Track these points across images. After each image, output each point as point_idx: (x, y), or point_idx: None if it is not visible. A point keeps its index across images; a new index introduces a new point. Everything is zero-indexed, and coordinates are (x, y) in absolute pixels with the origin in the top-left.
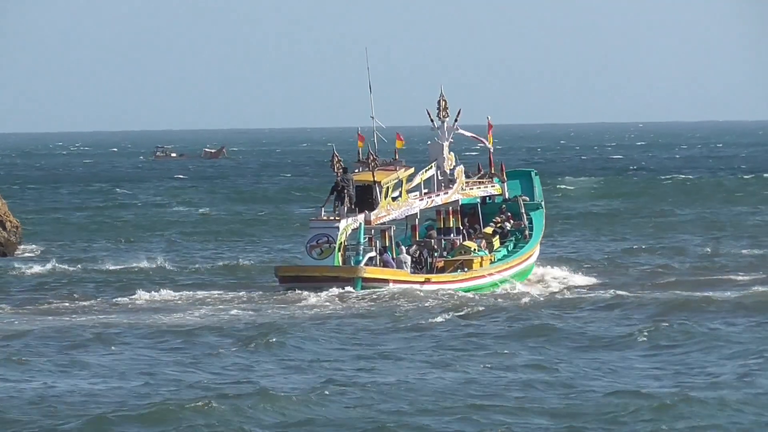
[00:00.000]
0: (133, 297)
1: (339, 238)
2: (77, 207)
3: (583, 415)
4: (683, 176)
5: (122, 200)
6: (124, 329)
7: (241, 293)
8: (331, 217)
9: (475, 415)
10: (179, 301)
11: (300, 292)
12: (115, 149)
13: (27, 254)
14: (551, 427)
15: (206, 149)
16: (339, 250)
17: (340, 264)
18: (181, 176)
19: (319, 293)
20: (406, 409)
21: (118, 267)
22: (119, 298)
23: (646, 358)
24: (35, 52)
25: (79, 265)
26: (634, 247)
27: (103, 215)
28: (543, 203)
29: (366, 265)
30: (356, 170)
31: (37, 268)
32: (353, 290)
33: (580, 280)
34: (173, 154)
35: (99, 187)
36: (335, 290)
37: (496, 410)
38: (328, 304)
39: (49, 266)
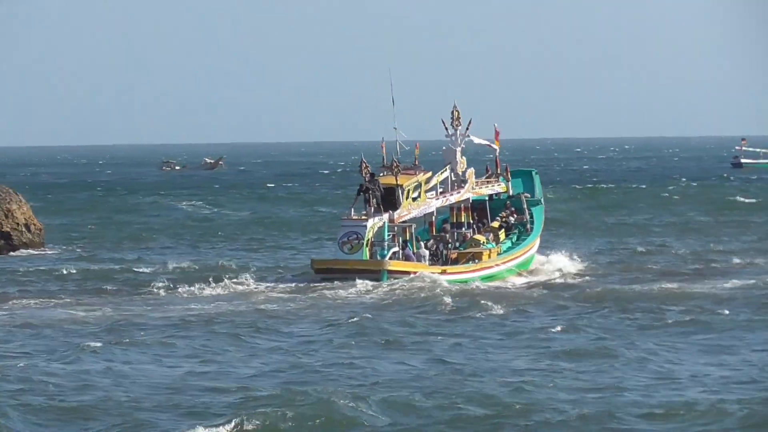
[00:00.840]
0: (179, 290)
1: (367, 235)
2: (97, 211)
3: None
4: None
5: (142, 205)
6: (185, 319)
7: (276, 286)
8: (360, 216)
9: (484, 394)
10: (215, 294)
11: (333, 282)
12: (138, 161)
13: (49, 253)
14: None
15: (206, 159)
16: (367, 246)
17: (368, 258)
18: (193, 184)
19: (350, 284)
20: (429, 383)
21: (149, 265)
22: (169, 291)
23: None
24: (54, 70)
25: (106, 264)
26: (600, 247)
27: (122, 219)
28: (542, 200)
29: (390, 258)
30: (381, 174)
31: (62, 266)
32: (379, 281)
33: (572, 269)
34: (177, 167)
35: (120, 193)
36: (364, 281)
37: (491, 391)
38: (358, 293)
39: (74, 264)
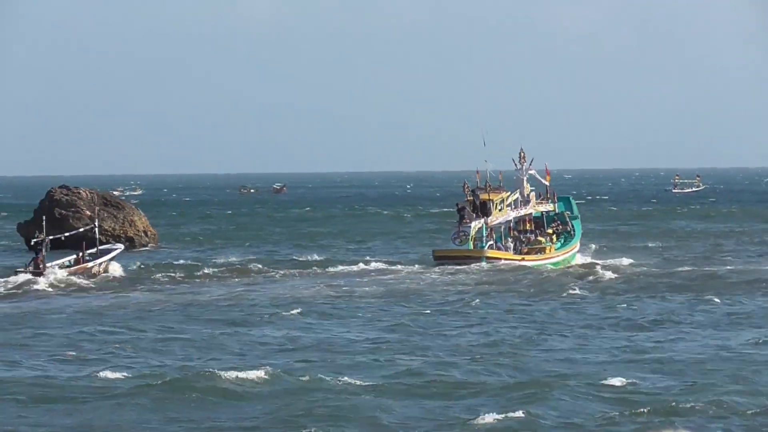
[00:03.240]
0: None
1: (471, 232)
2: (205, 222)
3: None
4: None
5: (233, 216)
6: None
7: (405, 268)
8: (466, 221)
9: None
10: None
11: (449, 266)
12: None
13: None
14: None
15: (274, 186)
16: (471, 240)
17: (472, 248)
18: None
19: (461, 266)
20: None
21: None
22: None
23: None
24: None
25: (215, 259)
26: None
27: (223, 228)
28: (579, 216)
29: (488, 248)
30: (477, 192)
31: (183, 260)
32: (480, 264)
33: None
34: (252, 190)
35: (220, 209)
36: (470, 264)
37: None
38: (467, 272)
39: (194, 258)
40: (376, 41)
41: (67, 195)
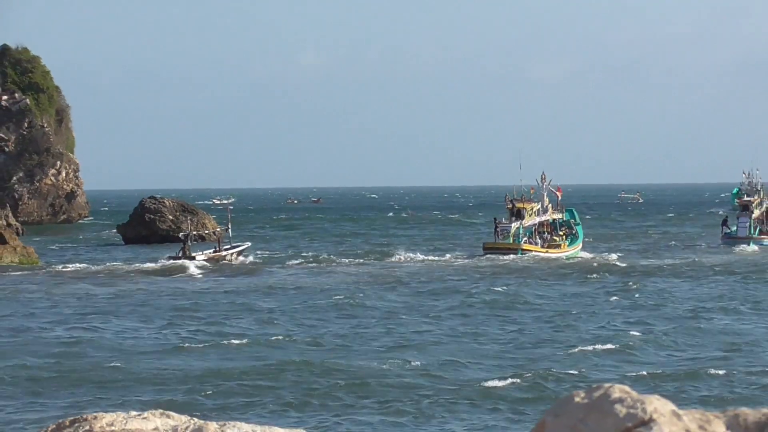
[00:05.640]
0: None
1: (511, 231)
2: (266, 226)
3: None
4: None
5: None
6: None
7: (456, 259)
8: (507, 222)
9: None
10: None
11: (494, 255)
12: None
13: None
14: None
15: (312, 199)
16: (511, 237)
17: (512, 242)
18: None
19: (503, 256)
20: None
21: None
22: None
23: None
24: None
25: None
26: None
27: (291, 231)
28: (580, 223)
29: (523, 243)
30: (515, 202)
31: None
32: (518, 254)
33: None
34: (295, 201)
35: (280, 215)
36: (510, 255)
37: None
38: (507, 260)
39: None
40: (408, 89)
41: (154, 203)
